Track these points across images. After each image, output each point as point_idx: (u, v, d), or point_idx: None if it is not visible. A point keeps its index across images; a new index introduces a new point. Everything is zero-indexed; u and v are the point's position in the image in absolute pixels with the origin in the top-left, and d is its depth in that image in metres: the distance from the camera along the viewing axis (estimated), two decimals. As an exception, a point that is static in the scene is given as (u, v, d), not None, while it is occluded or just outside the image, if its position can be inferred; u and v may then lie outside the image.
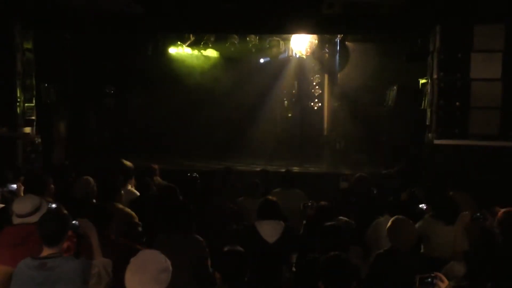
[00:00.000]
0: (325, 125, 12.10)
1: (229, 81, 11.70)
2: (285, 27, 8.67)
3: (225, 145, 11.35)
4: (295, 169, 9.22)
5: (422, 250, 4.52)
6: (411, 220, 4.09)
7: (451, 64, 7.54)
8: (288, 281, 4.45)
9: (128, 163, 6.85)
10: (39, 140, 8.24)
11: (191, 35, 11.28)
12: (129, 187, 6.08)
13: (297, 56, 11.69)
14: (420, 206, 5.18)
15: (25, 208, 3.67)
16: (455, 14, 7.46)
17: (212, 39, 11.18)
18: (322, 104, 12.14)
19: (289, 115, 12.46)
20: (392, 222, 3.93)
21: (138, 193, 5.90)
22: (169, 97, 11.49)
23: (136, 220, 4.87)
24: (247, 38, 10.94)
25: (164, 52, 11.49)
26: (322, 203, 5.10)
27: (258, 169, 8.41)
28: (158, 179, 6.90)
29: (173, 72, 11.46)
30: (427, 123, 8.02)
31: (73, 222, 3.35)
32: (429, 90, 8.02)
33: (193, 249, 4.02)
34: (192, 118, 11.60)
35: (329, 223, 4.32)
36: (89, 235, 3.41)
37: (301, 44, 11.02)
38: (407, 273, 3.22)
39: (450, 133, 7.55)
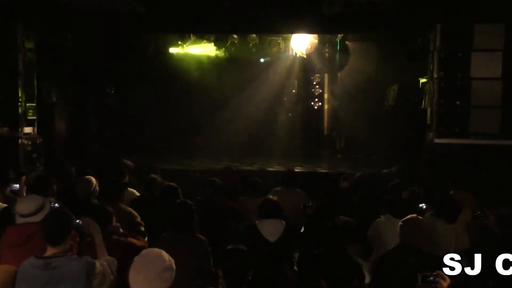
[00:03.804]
0: (325, 125, 12.15)
1: (230, 80, 11.73)
2: (286, 27, 8.68)
3: (226, 144, 11.37)
4: (296, 168, 9.23)
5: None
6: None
7: (451, 63, 7.55)
8: (290, 280, 4.46)
9: (129, 162, 6.88)
10: (41, 140, 8.26)
11: (191, 35, 11.29)
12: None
13: (297, 55, 11.71)
14: (421, 205, 5.19)
15: (28, 208, 3.68)
16: (455, 13, 7.48)
17: (212, 38, 11.20)
18: (322, 103, 12.18)
19: (289, 114, 12.48)
20: (405, 220, 3.94)
21: (138, 193, 5.91)
22: (169, 96, 11.50)
23: (138, 219, 4.89)
24: (248, 38, 10.95)
25: (165, 51, 11.51)
26: (322, 202, 5.12)
27: (256, 168, 8.45)
28: (159, 178, 6.91)
29: (174, 72, 11.48)
30: (428, 122, 8.03)
31: (77, 221, 3.37)
32: (429, 89, 8.03)
33: (195, 248, 4.03)
34: (193, 117, 11.61)
35: (329, 223, 4.34)
36: (93, 234, 3.44)
37: (302, 43, 11.04)
38: (409, 272, 3.24)
39: (451, 132, 7.57)
